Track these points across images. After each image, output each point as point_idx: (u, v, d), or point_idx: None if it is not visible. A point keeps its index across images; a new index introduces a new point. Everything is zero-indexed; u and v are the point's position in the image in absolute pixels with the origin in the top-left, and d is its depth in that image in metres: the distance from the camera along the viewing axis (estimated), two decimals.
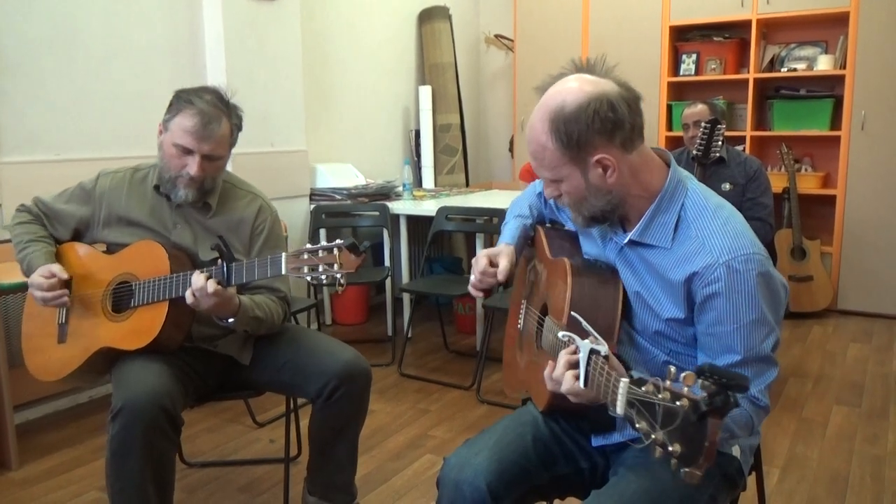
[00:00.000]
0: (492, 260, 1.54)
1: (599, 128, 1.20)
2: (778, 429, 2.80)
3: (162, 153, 1.88)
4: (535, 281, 1.58)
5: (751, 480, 1.50)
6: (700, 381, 0.88)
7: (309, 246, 1.60)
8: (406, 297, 4.02)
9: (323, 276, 1.57)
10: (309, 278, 1.59)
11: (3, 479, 2.45)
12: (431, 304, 4.51)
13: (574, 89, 1.21)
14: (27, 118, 2.84)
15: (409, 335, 3.88)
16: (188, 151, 1.82)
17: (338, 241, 1.58)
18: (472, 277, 1.55)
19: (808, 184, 4.53)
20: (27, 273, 1.89)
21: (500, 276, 1.51)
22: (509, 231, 1.64)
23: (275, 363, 1.97)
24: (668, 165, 1.31)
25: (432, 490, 2.33)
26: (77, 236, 1.99)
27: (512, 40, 5.45)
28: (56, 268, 1.84)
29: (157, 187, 1.94)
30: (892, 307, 4.31)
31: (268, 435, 2.80)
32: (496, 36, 5.73)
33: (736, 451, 1.31)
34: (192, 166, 1.83)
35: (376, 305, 4.59)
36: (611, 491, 1.23)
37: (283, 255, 1.63)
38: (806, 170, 4.67)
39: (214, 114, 1.83)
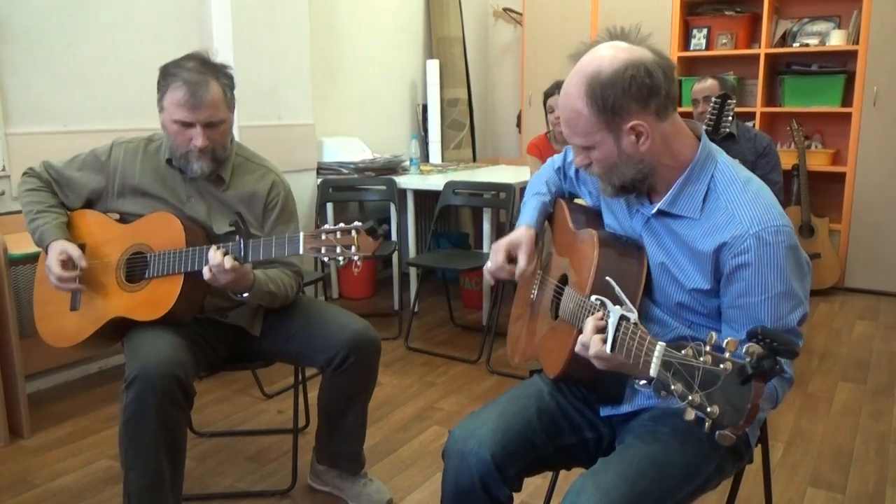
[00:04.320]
0: (510, 253, 1.54)
1: (636, 94, 1.19)
2: (783, 404, 2.81)
3: (165, 133, 1.87)
4: (554, 252, 1.59)
5: (756, 454, 1.52)
6: (746, 346, 0.89)
7: (327, 227, 1.61)
8: (413, 272, 4.04)
9: (340, 258, 1.58)
10: (326, 259, 1.60)
11: (16, 446, 2.49)
12: (438, 279, 4.52)
13: (609, 56, 1.21)
14: (34, 88, 2.84)
15: (416, 309, 3.90)
16: (188, 125, 1.81)
17: (356, 224, 1.59)
18: (490, 265, 1.55)
19: (818, 161, 4.50)
20: (39, 244, 1.90)
21: (517, 276, 1.51)
22: (529, 210, 1.64)
23: (285, 333, 1.98)
24: (699, 138, 1.31)
25: (439, 461, 2.35)
26: (88, 205, 1.99)
27: (521, 14, 5.40)
28: (75, 252, 1.84)
29: (169, 161, 1.93)
30: None
31: (276, 406, 2.83)
32: (505, 9, 5.67)
33: None
34: (198, 138, 1.81)
35: (383, 280, 4.60)
36: (617, 458, 1.24)
37: (301, 234, 1.63)
38: (816, 146, 4.63)
39: (201, 80, 1.79)
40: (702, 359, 0.95)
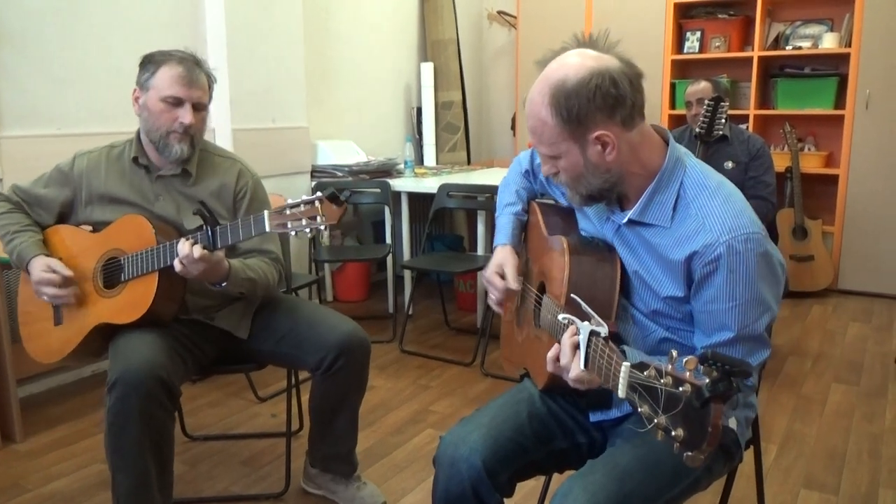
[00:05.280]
0: (500, 275, 1.54)
1: (601, 104, 1.18)
2: (776, 406, 2.82)
3: (146, 115, 1.88)
4: (532, 258, 1.58)
5: (748, 455, 1.52)
6: (702, 366, 0.88)
7: (290, 201, 1.61)
8: (407, 275, 4.04)
9: (307, 230, 1.59)
10: (294, 233, 1.60)
11: (9, 451, 2.48)
12: (432, 282, 4.52)
13: (576, 64, 1.20)
14: (28, 91, 2.83)
15: (410, 312, 3.90)
16: (178, 102, 1.84)
17: (318, 194, 1.59)
18: (493, 297, 1.56)
19: (811, 163, 4.51)
20: (17, 264, 1.90)
21: (513, 286, 1.51)
22: (502, 228, 1.63)
23: (274, 335, 1.98)
24: (667, 143, 1.30)
25: (433, 464, 2.35)
26: (62, 220, 1.99)
27: (515, 17, 5.41)
28: (56, 264, 1.85)
29: (135, 159, 1.94)
30: (893, 287, 4.32)
31: (269, 409, 2.82)
32: (499, 12, 5.68)
33: (732, 423, 1.32)
34: (186, 115, 1.84)
35: (377, 282, 4.60)
36: (606, 460, 1.24)
37: (266, 212, 1.63)
38: (809, 149, 4.65)
39: (193, 64, 1.88)
40: (662, 381, 0.93)
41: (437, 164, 4.98)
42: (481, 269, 3.53)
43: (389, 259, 3.91)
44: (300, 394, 2.52)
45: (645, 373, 0.96)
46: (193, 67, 1.86)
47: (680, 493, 1.24)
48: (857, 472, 2.33)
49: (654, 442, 1.24)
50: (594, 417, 1.42)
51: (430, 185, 3.83)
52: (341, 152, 4.18)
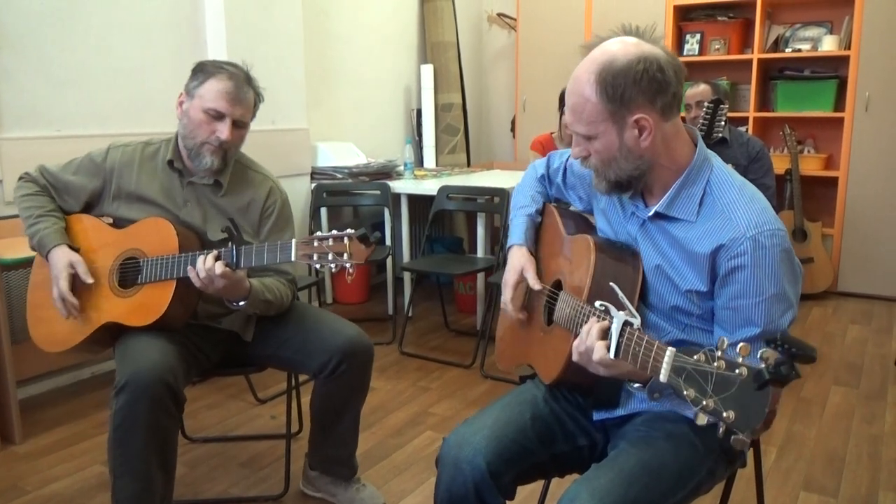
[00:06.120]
0: (520, 281, 1.54)
1: (646, 87, 1.20)
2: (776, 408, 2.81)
3: (186, 121, 1.87)
4: (544, 256, 1.59)
5: (749, 458, 1.52)
6: (761, 351, 0.90)
7: (320, 234, 1.60)
8: (407, 277, 4.04)
9: (332, 265, 1.58)
10: (318, 266, 1.60)
11: (8, 453, 2.48)
12: (432, 284, 4.52)
13: (624, 48, 1.23)
14: (27, 93, 2.83)
15: (410, 314, 3.90)
16: (219, 116, 1.83)
17: (348, 231, 1.59)
18: (508, 305, 1.55)
19: (811, 165, 4.51)
20: (38, 249, 1.88)
21: (536, 287, 1.50)
22: (517, 229, 1.64)
23: (278, 339, 1.98)
24: (695, 144, 1.33)
25: (432, 466, 2.34)
26: (87, 209, 1.98)
27: (515, 19, 5.41)
28: (81, 268, 1.82)
29: (170, 162, 1.92)
30: (892, 289, 4.32)
31: (269, 411, 2.82)
32: (499, 14, 5.69)
33: None
34: (224, 131, 1.83)
35: (377, 284, 4.60)
36: (610, 464, 1.24)
37: (294, 241, 1.63)
38: (808, 151, 4.65)
39: (244, 81, 1.87)
40: (715, 364, 0.95)
41: (436, 165, 4.98)
42: (481, 271, 3.57)
43: (389, 261, 3.91)
44: (300, 396, 2.52)
45: (694, 357, 0.98)
46: (243, 84, 1.86)
47: (684, 497, 1.24)
48: (857, 474, 2.33)
49: (659, 445, 1.25)
50: (598, 416, 1.42)
51: (429, 186, 3.82)
52: (341, 154, 4.18)
